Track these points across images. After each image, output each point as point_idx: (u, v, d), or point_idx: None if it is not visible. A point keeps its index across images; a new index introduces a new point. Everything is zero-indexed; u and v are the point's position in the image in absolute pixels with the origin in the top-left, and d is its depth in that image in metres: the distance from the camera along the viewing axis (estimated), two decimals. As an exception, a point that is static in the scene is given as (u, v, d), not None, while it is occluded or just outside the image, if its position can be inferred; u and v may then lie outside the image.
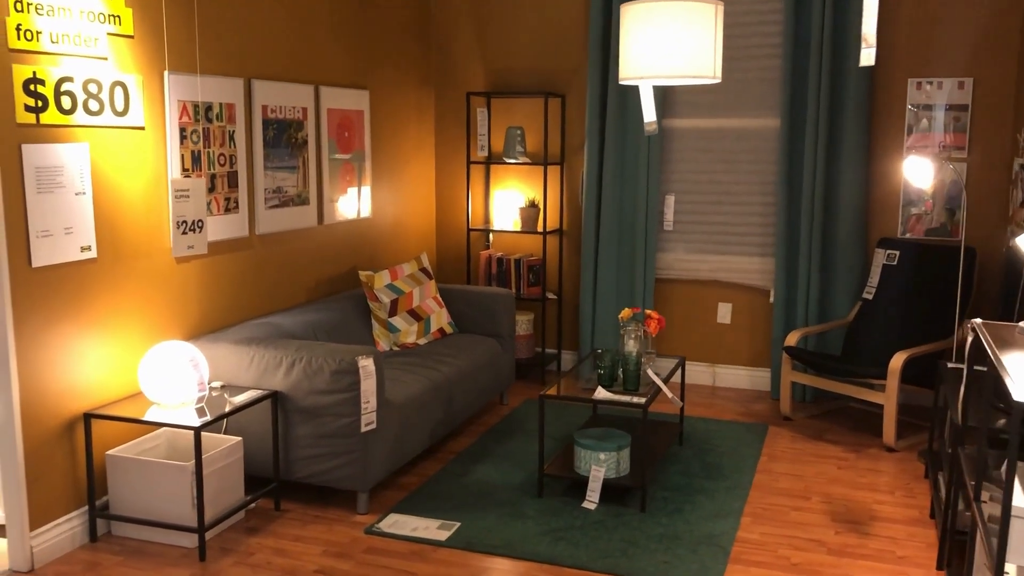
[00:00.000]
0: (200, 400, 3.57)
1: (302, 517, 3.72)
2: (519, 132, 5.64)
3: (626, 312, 4.31)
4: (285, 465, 3.78)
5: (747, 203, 5.48)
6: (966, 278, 4.77)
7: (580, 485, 4.01)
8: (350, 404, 3.63)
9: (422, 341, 4.90)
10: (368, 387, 3.64)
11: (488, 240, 6.02)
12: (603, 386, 3.93)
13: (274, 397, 3.69)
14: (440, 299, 5.11)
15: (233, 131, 4.14)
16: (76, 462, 3.45)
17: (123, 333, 3.60)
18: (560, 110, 5.77)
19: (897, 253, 5.09)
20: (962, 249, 4.46)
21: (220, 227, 4.08)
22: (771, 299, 5.51)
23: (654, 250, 5.57)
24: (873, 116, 5.20)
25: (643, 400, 3.74)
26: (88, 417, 3.42)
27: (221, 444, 3.63)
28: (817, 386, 4.84)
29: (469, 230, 5.86)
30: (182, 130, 3.83)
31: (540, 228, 5.88)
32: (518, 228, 5.86)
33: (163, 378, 3.46)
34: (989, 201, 5.05)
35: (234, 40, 4.14)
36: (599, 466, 3.80)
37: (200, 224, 3.77)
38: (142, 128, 3.64)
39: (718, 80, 3.52)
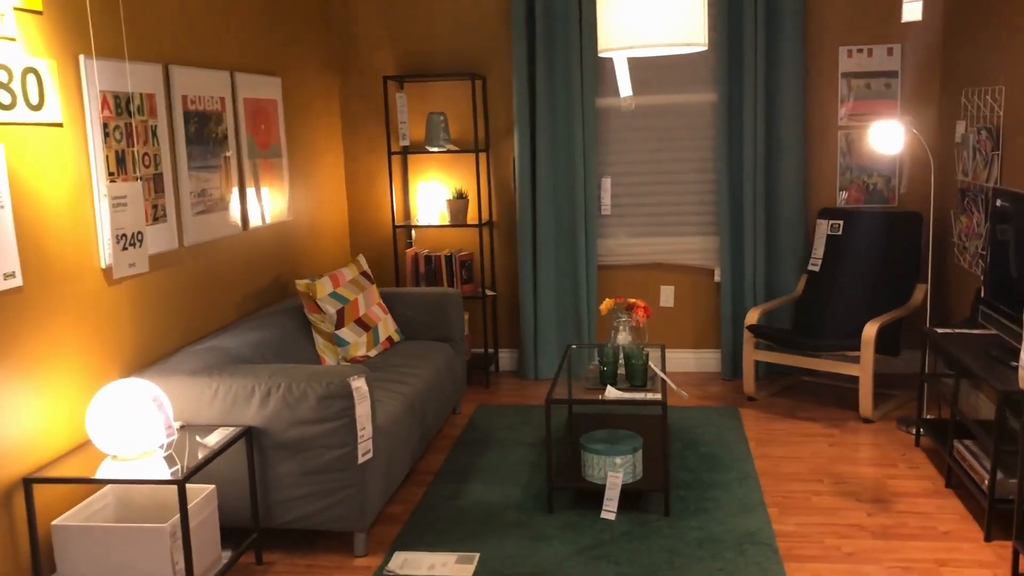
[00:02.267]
0: (168, 446, 2.98)
1: (292, 569, 3.20)
2: (442, 118, 5.21)
3: (608, 303, 4.01)
4: (264, 510, 3.24)
5: (687, 181, 5.31)
6: (914, 243, 4.79)
7: (590, 495, 3.69)
8: (342, 433, 3.13)
9: (372, 353, 4.41)
10: (363, 411, 3.16)
11: (410, 237, 5.56)
12: (610, 384, 3.62)
13: (248, 433, 3.14)
14: (383, 305, 4.63)
15: (156, 126, 3.52)
16: (15, 538, 2.78)
17: (58, 375, 2.94)
18: (482, 93, 5.39)
19: (841, 223, 5.06)
20: (931, 218, 4.45)
21: (150, 240, 3.45)
22: (716, 278, 5.37)
23: (595, 236, 5.30)
24: (808, 86, 5.14)
25: (659, 396, 3.45)
26: (28, 483, 2.76)
27: (193, 496, 3.05)
28: (783, 363, 4.73)
29: (395, 227, 5.38)
30: (104, 126, 3.19)
31: (473, 220, 5.48)
32: (446, 222, 5.44)
33: (121, 424, 2.84)
34: (923, 165, 5.10)
35: (149, 18, 3.51)
36: (616, 472, 3.49)
37: (140, 237, 3.15)
38: (60, 125, 2.98)
39: (705, 48, 3.26)
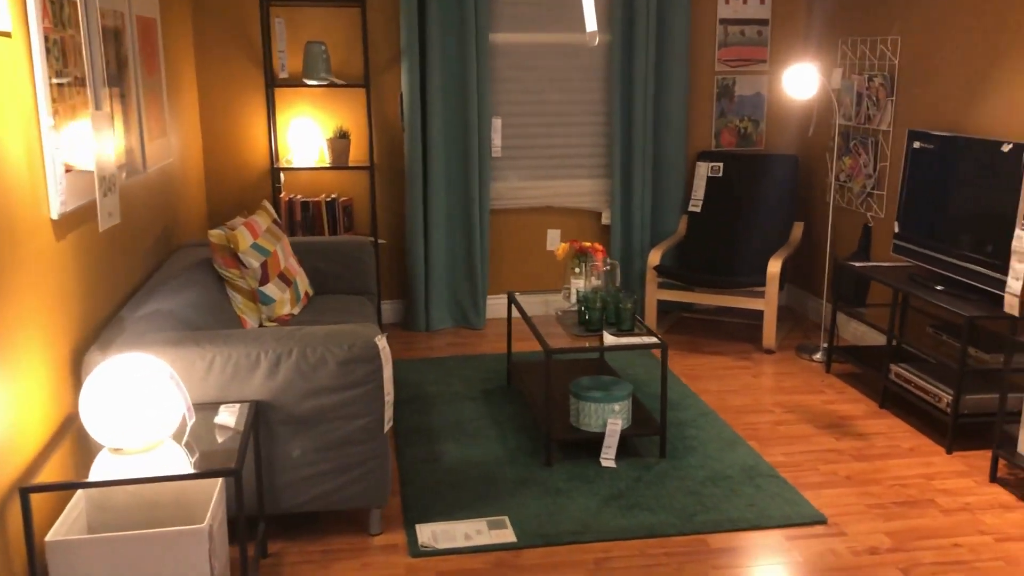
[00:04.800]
0: (186, 432, 2.48)
1: (306, 557, 2.81)
2: (323, 48, 4.73)
3: (563, 247, 3.89)
4: (271, 495, 2.81)
5: (578, 124, 5.26)
6: (790, 184, 5.11)
7: (582, 444, 3.59)
8: (366, 400, 2.78)
9: (296, 310, 3.96)
10: (388, 373, 2.82)
11: (279, 181, 5.03)
12: (594, 330, 3.52)
13: (254, 408, 2.70)
14: (295, 257, 4.17)
15: (80, 42, 2.85)
16: (10, 559, 2.19)
17: (21, 354, 2.33)
18: (361, 22, 4.95)
19: (721, 165, 5.28)
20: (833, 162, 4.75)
21: (81, 187, 2.81)
22: (604, 221, 5.41)
23: (488, 180, 5.11)
24: (691, 31, 5.26)
25: (657, 340, 3.42)
26: (25, 493, 2.18)
27: (209, 490, 2.57)
28: (686, 300, 4.89)
29: (275, 169, 4.84)
30: (46, 39, 2.53)
31: (355, 162, 5.06)
32: (325, 163, 4.97)
33: (133, 409, 2.32)
34: (794, 109, 5.44)
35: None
36: (615, 418, 3.42)
37: (115, 181, 2.55)
38: (8, 35, 2.32)
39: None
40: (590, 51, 5.17)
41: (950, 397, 3.52)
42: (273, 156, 4.86)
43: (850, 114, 4.86)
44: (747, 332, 5.12)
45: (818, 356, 4.65)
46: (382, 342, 2.79)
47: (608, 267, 3.72)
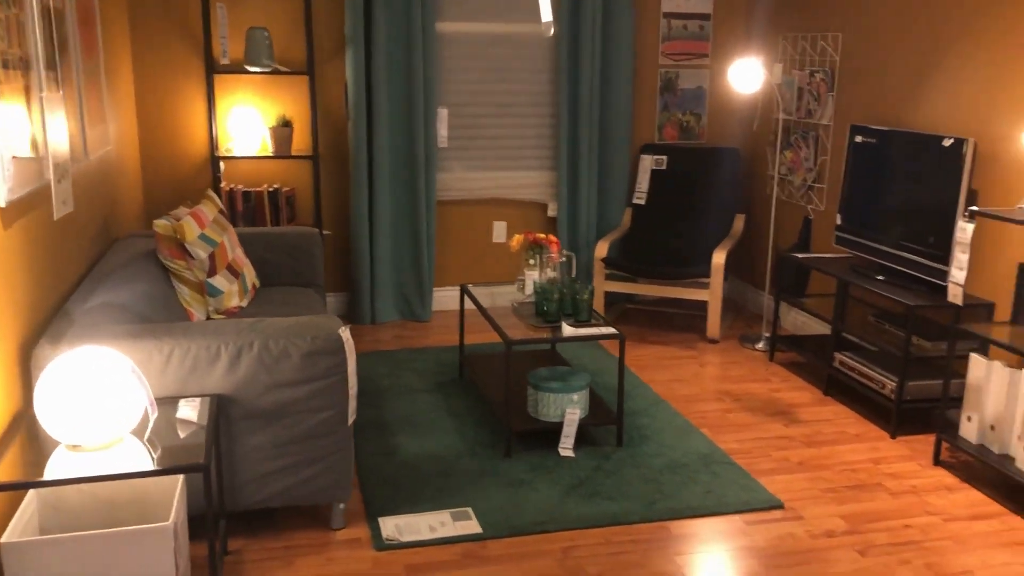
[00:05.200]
0: (148, 427, 2.39)
1: (268, 554, 2.75)
2: (265, 35, 4.62)
3: (518, 240, 3.89)
4: (231, 491, 2.74)
5: (525, 115, 5.26)
6: (732, 176, 5.20)
7: (540, 434, 3.59)
8: (330, 393, 2.74)
9: (245, 303, 3.87)
10: (352, 365, 2.78)
11: (220, 170, 4.89)
12: (552, 322, 3.52)
13: (215, 402, 2.62)
14: (242, 247, 4.07)
15: (24, 22, 2.72)
16: (-39, 571, 2.09)
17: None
18: (304, 8, 4.85)
19: (665, 158, 5.35)
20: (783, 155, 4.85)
21: (28, 174, 2.68)
22: (550, 213, 5.42)
23: (435, 170, 5.07)
24: (636, 24, 5.30)
25: (615, 331, 3.44)
26: (-21, 494, 2.07)
27: (171, 487, 2.50)
28: (633, 292, 4.94)
29: (216, 158, 4.71)
30: (-8, 16, 2.40)
31: (299, 151, 4.96)
32: (268, 152, 4.87)
33: (91, 405, 2.23)
34: (735, 103, 5.53)
35: None
36: (574, 408, 3.44)
37: (67, 168, 2.44)
38: (-45, 10, 2.20)
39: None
40: (537, 42, 5.17)
41: (894, 384, 3.64)
42: (213, 145, 4.73)
43: (791, 109, 4.96)
44: (690, 322, 5.20)
45: (761, 345, 4.75)
46: (346, 334, 2.75)
47: (564, 258, 3.73)
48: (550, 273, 3.75)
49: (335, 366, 2.71)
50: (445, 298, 5.38)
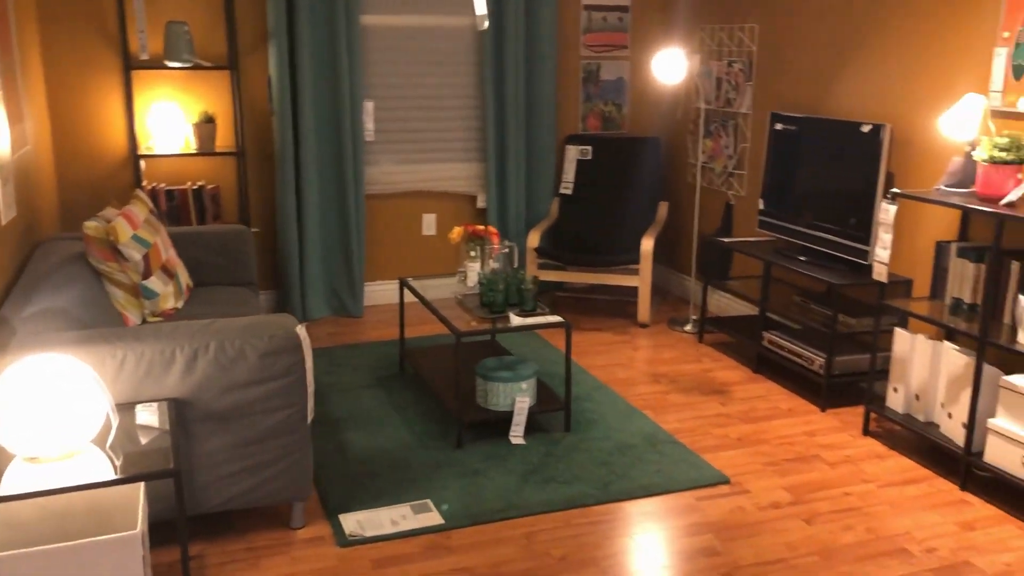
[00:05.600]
0: (110, 435, 2.34)
1: (231, 557, 2.72)
2: (185, 29, 4.51)
3: (458, 232, 3.92)
4: (190, 496, 2.70)
5: (452, 107, 5.27)
6: (655, 165, 5.34)
7: (490, 424, 3.63)
8: (288, 392, 2.72)
9: (180, 304, 3.79)
10: (310, 363, 2.77)
11: (140, 168, 4.75)
12: (498, 312, 3.57)
13: (174, 406, 2.58)
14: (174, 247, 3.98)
15: (-51, 18, 2.61)
16: (-78, 593, 2.01)
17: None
18: (224, 1, 4.74)
19: (590, 148, 5.45)
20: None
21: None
22: (479, 204, 5.45)
23: (362, 164, 5.04)
24: (558, 16, 5.37)
25: (561, 319, 3.51)
26: (-61, 512, 2.00)
27: (120, 495, 2.44)
28: (565, 280, 5.02)
29: (137, 156, 4.58)
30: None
31: (223, 147, 4.85)
32: (191, 149, 4.75)
33: (50, 414, 2.17)
34: (654, 93, 5.67)
35: None
36: (523, 396, 3.49)
37: (10, 170, 2.36)
38: None
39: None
40: (462, 35, 5.18)
41: (823, 360, 3.82)
42: (133, 143, 4.59)
43: (710, 98, 5.12)
44: (619, 308, 5.32)
45: (689, 328, 4.90)
46: (303, 331, 2.73)
47: (506, 249, 3.77)
48: (492, 264, 3.79)
49: (293, 364, 2.70)
50: (377, 293, 5.36)
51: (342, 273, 5.13)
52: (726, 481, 3.20)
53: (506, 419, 3.55)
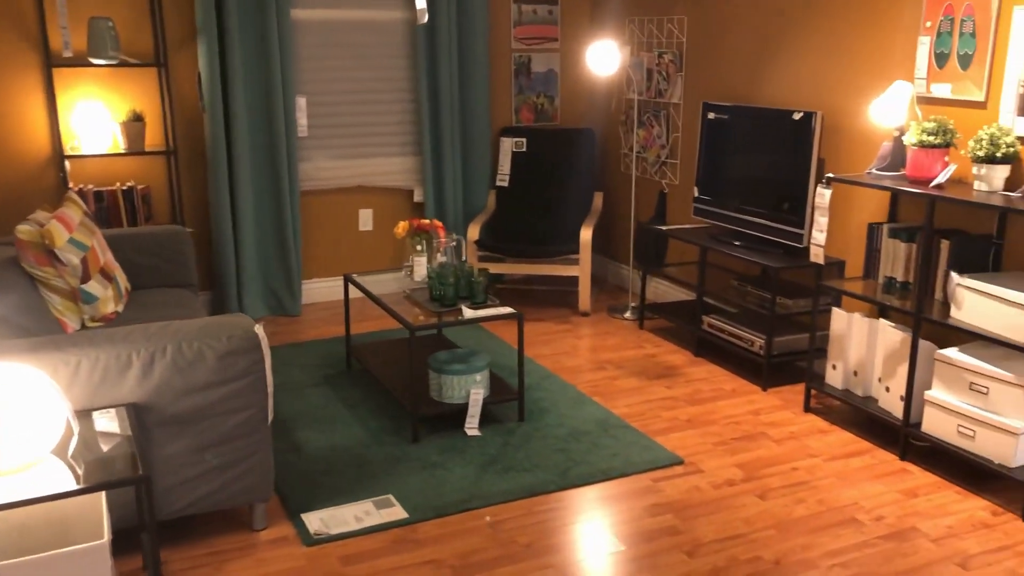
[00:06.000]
0: (72, 443, 2.27)
1: (193, 563, 2.68)
2: (110, 25, 4.38)
3: (403, 227, 3.92)
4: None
5: (386, 101, 5.24)
6: (589, 156, 5.41)
7: (445, 417, 3.64)
8: (248, 393, 2.69)
9: (120, 308, 3.69)
10: (269, 362, 2.74)
11: (65, 169, 4.59)
12: (450, 305, 3.58)
13: (132, 412, 2.52)
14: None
15: None
16: None
17: None
18: (149, -3, 4.62)
19: (524, 140, 5.49)
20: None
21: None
22: (416, 198, 5.44)
23: (296, 161, 4.98)
24: (489, 9, 5.39)
25: (514, 310, 3.55)
26: (-102, 531, 1.92)
27: (81, 506, 2.38)
28: (505, 272, 5.06)
29: (63, 157, 4.43)
30: None
31: (153, 147, 4.73)
32: (119, 149, 4.62)
33: (10, 424, 2.11)
34: (585, 84, 5.74)
35: None
36: (478, 388, 3.52)
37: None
38: None
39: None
40: (394, 28, 5.16)
41: (762, 341, 3.94)
42: (57, 143, 4.44)
43: (642, 89, 5.21)
44: (559, 298, 5.38)
45: (628, 315, 4.99)
46: (261, 331, 2.70)
47: (454, 243, 3.78)
48: (440, 258, 3.80)
49: (253, 364, 2.67)
50: (315, 290, 5.30)
51: (279, 271, 5.06)
52: (680, 462, 3.28)
53: (460, 411, 3.56)
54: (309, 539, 2.78)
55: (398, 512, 2.93)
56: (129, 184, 4.65)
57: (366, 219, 5.37)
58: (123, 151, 4.54)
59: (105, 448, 2.30)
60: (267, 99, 4.83)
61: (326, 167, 5.19)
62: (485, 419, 3.63)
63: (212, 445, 2.65)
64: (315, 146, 5.14)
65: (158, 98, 4.71)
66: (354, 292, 5.43)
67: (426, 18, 3.58)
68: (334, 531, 2.82)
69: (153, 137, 4.73)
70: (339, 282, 5.35)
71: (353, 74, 5.12)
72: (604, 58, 4.70)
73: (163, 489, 2.63)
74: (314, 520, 2.89)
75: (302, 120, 5.06)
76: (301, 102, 5.03)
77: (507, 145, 5.50)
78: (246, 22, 4.71)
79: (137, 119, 4.59)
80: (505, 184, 5.47)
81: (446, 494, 3.05)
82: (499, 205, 5.44)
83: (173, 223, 4.79)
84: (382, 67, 5.17)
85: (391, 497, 3.03)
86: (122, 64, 4.42)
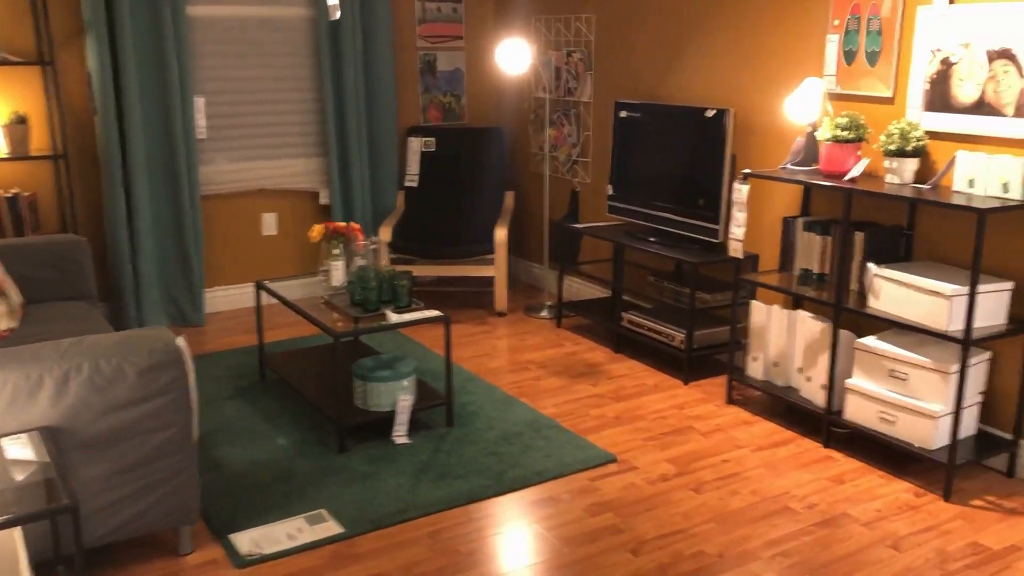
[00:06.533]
0: (-18, 475, 2.08)
1: (117, 595, 2.51)
2: (-12, 21, 4.09)
3: (318, 230, 3.79)
4: (67, 532, 2.45)
5: (288, 101, 5.07)
6: (499, 155, 5.38)
7: (371, 426, 3.53)
8: (171, 410, 2.53)
9: (15, 324, 3.44)
10: (193, 377, 2.59)
11: (-59, 177, 4.27)
12: (373, 310, 3.48)
13: (48, 435, 2.34)
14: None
15: None
16: None
17: None
18: (30, -9, 4.33)
19: (433, 140, 5.41)
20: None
21: None
22: (322, 200, 5.29)
23: (196, 164, 4.77)
24: (393, 6, 5.29)
25: (440, 313, 3.47)
26: None
27: (3, 539, 2.19)
28: (420, 274, 4.97)
29: (-60, 164, 4.10)
30: None
31: (39, 151, 4.44)
32: (2, 154, 4.31)
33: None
34: (492, 83, 5.71)
35: None
36: (406, 394, 3.43)
37: None
38: None
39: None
40: (295, 26, 4.99)
41: (683, 335, 3.99)
42: (-65, 147, 4.11)
43: (551, 88, 5.21)
44: (474, 299, 5.33)
45: (545, 313, 4.98)
46: (184, 343, 2.55)
47: (373, 246, 3.68)
48: (360, 261, 3.69)
49: (175, 380, 2.51)
50: (218, 299, 5.09)
51: (180, 280, 4.83)
52: (613, 459, 3.28)
53: (387, 419, 3.46)
54: (240, 560, 2.64)
55: (333, 527, 2.82)
56: (14, 191, 4.34)
57: (270, 223, 5.18)
58: (6, 156, 4.24)
59: (19, 477, 2.12)
60: (163, 99, 4.60)
61: (227, 170, 4.98)
62: (413, 426, 3.54)
63: (128, 468, 2.48)
64: (215, 148, 4.92)
65: (43, 98, 4.42)
66: (263, 299, 5.22)
67: (338, 14, 3.46)
68: (267, 551, 2.69)
69: (39, 140, 4.44)
70: (243, 290, 5.15)
71: (254, 73, 4.93)
72: (513, 57, 4.67)
73: (82, 517, 2.45)
74: (244, 540, 2.74)
75: (201, 121, 4.84)
76: (199, 102, 4.81)
77: (415, 145, 5.40)
78: (139, 18, 4.47)
79: (20, 121, 4.29)
80: (414, 185, 5.38)
81: (381, 505, 2.95)
82: (409, 206, 5.34)
83: (63, 232, 4.51)
84: (284, 65, 5.00)
85: (324, 512, 2.91)
86: (3, 62, 4.12)
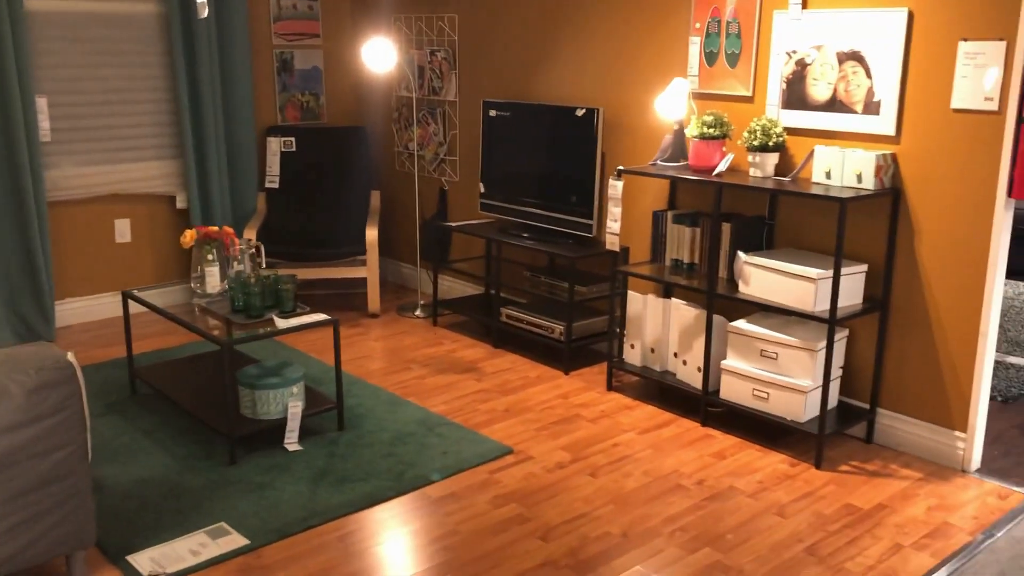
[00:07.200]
0: None
1: (10, 631, 2.35)
2: None
3: (191, 234, 3.66)
4: (-49, 571, 2.28)
5: (140, 101, 4.84)
6: (363, 154, 5.35)
7: (258, 435, 3.44)
8: (63, 430, 2.40)
9: None
10: (85, 394, 2.46)
11: None
12: (256, 316, 3.39)
13: (-77, 468, 2.17)
14: None
15: None
16: None
17: None
18: None
19: (293, 139, 5.31)
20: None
21: None
22: (179, 204, 5.08)
23: (40, 168, 4.48)
24: (248, 3, 5.14)
25: (330, 317, 3.43)
26: None
27: None
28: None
29: None
30: None
31: None
32: None
33: None
34: (351, 82, 5.65)
35: None
36: (295, 401, 3.37)
37: None
38: None
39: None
40: (145, 23, 4.77)
41: (562, 327, 4.11)
42: None
43: (415, 87, 5.22)
44: (344, 301, 5.27)
45: (419, 313, 4.99)
46: (74, 359, 2.41)
47: (252, 250, 3.58)
48: (237, 266, 3.58)
49: (67, 398, 2.38)
50: (70, 312, 4.79)
51: (27, 293, 4.52)
52: (510, 451, 3.35)
53: (276, 428, 3.39)
54: (144, 583, 2.53)
55: (237, 539, 2.74)
56: None
57: (123, 230, 4.93)
58: None
59: (-95, 513, 1.95)
60: (1, 99, 4.29)
61: (75, 174, 4.70)
62: (302, 432, 3.48)
63: (17, 495, 2.32)
64: (61, 152, 4.64)
65: None
66: (114, 311, 4.96)
67: (207, 11, 3.35)
68: (171, 569, 2.59)
69: None
70: (99, 301, 4.88)
71: (101, 72, 4.68)
72: (378, 55, 4.65)
73: (-34, 552, 2.28)
74: (144, 561, 2.63)
75: (44, 123, 4.54)
76: (42, 103, 4.52)
77: (274, 145, 5.28)
78: (-28, 12, 4.14)
79: None
80: (275, 186, 5.26)
81: (283, 514, 2.89)
82: (271, 208, 5.22)
83: None
84: (135, 64, 4.77)
85: (224, 524, 2.83)
86: None
